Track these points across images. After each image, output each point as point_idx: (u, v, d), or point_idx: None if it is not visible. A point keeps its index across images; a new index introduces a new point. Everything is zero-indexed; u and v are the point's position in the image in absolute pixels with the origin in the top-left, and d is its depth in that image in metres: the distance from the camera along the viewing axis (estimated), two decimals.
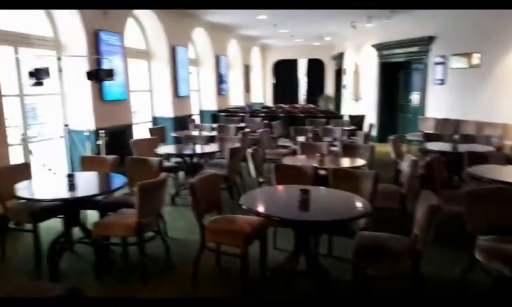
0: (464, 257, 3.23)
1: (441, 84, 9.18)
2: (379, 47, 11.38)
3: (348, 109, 14.38)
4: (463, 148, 5.64)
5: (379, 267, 3.02)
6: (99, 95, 6.91)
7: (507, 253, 2.88)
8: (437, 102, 9.43)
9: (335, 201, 3.33)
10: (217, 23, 11.57)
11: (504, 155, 5.30)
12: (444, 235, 4.01)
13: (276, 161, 5.41)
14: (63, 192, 3.65)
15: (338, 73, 16.92)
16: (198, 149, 5.86)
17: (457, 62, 8.67)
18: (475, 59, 8.20)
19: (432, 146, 6.18)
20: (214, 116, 11.79)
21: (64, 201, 3.62)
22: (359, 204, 3.06)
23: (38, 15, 6.36)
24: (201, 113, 12.37)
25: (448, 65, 8.92)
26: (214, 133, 7.96)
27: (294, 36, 14.61)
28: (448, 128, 8.47)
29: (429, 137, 6.95)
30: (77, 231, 3.97)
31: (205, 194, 3.38)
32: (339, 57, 16.27)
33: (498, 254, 2.91)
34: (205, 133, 7.91)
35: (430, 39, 9.38)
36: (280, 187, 3.79)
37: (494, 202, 3.14)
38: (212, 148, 6.11)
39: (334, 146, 6.41)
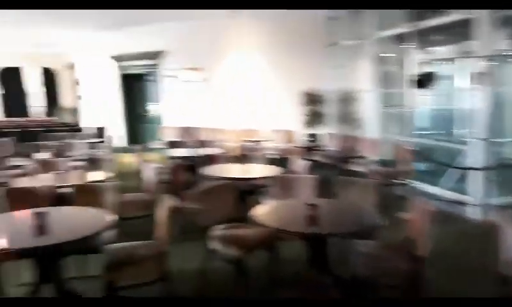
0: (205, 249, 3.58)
1: (173, 95, 10.20)
2: (118, 59, 11.38)
3: (94, 120, 13.65)
4: (199, 152, 6.30)
5: (128, 276, 3.00)
6: None
7: (238, 238, 3.37)
8: (172, 112, 10.33)
9: (77, 220, 3.17)
10: None
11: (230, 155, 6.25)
12: (189, 231, 4.29)
13: (5, 185, 4.65)
14: None
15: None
16: None
17: (186, 76, 9.74)
18: (201, 73, 9.48)
19: (176, 152, 6.62)
20: None
21: None
22: (104, 218, 2.99)
23: None
24: None
25: (178, 78, 9.88)
26: None
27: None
28: (188, 135, 9.26)
29: (172, 144, 7.41)
30: None
31: None
32: (72, 67, 15.10)
33: (231, 240, 3.37)
34: None
35: (158, 54, 10.25)
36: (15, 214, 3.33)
37: (221, 195, 3.64)
38: None
39: (79, 160, 6.07)
